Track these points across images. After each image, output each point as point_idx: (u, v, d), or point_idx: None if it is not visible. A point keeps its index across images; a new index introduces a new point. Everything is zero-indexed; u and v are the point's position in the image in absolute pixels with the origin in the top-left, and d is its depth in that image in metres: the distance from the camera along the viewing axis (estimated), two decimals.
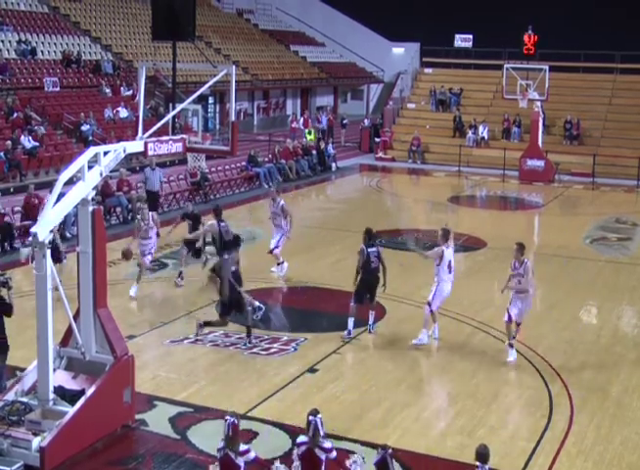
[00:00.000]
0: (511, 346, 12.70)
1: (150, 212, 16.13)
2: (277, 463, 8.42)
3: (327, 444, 8.02)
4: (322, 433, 7.97)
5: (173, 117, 12.08)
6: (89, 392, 9.64)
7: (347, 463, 8.21)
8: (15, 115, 26.60)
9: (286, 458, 9.31)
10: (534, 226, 25.04)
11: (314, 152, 32.03)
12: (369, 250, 13.60)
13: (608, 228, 23.13)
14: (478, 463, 7.69)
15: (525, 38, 36.78)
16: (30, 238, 9.21)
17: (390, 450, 7.85)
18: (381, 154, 36.35)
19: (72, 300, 9.89)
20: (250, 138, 36.74)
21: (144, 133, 10.96)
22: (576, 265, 18.88)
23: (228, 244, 13.83)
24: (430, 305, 13.24)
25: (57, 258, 13.36)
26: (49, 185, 17.35)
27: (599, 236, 22.16)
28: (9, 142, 24.16)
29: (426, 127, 37.07)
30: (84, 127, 27.62)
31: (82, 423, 9.43)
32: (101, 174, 9.93)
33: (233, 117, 12.92)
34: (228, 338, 13.29)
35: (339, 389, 11.58)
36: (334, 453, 8.04)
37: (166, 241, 19.71)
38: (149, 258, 15.88)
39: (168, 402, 10.96)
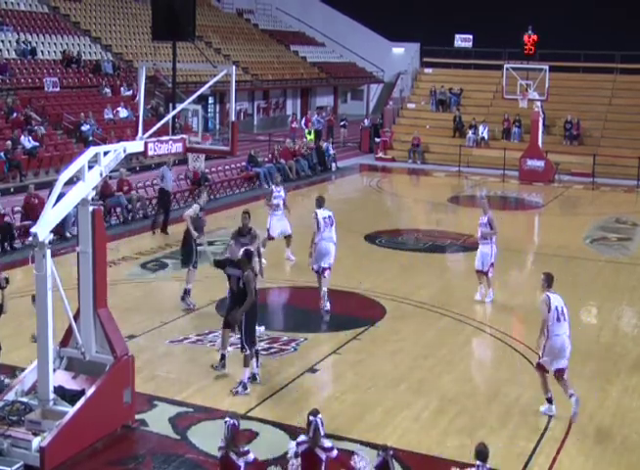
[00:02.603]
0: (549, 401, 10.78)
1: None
2: (273, 467, 8.43)
3: (327, 443, 8.03)
4: (322, 433, 7.98)
5: (173, 118, 12.08)
6: (89, 392, 9.63)
7: (353, 461, 8.20)
8: (15, 115, 26.62)
9: (282, 460, 9.32)
10: (534, 226, 25.02)
11: (314, 152, 32.03)
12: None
13: (608, 228, 23.11)
14: (477, 462, 7.68)
15: (525, 38, 36.83)
16: (30, 238, 9.22)
17: (392, 452, 7.85)
18: (381, 154, 36.32)
19: (73, 300, 9.90)
20: (250, 138, 36.74)
21: (144, 133, 10.96)
22: (576, 265, 18.86)
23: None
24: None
25: None
26: (49, 185, 17.36)
27: (599, 236, 22.14)
28: (9, 142, 24.18)
29: (426, 127, 37.05)
30: (84, 127, 27.64)
31: (82, 423, 9.43)
32: (101, 174, 9.93)
33: (233, 117, 12.91)
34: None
35: (339, 389, 11.58)
36: (334, 452, 8.04)
37: (166, 241, 19.79)
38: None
39: (168, 402, 10.95)
